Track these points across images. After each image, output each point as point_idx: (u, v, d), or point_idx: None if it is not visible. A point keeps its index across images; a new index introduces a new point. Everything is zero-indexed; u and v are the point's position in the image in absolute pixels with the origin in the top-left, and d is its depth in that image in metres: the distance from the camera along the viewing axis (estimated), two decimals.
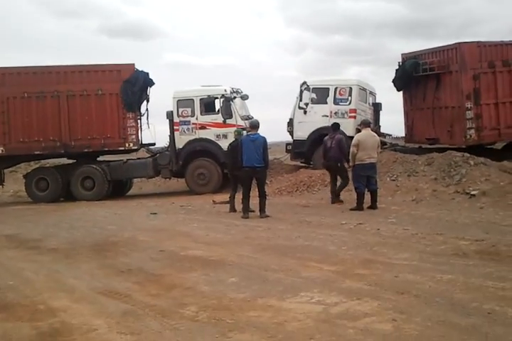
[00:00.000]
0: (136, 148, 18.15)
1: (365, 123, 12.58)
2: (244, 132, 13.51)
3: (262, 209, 11.43)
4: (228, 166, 13.05)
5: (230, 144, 13.13)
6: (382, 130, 20.45)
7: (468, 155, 14.46)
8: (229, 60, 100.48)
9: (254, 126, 11.76)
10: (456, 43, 16.93)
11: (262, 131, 11.78)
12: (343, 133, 14.93)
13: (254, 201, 11.88)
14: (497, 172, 13.52)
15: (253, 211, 11.75)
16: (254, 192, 11.95)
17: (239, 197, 12.23)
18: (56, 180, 17.74)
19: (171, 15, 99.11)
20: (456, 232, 8.57)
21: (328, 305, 5.17)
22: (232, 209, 12.43)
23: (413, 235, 8.54)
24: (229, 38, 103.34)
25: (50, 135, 17.50)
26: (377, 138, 12.48)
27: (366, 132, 12.26)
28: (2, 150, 17.38)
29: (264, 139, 11.49)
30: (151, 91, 18.24)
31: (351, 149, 12.08)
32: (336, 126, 13.53)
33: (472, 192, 12.52)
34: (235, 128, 15.85)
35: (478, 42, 16.85)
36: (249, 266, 7.01)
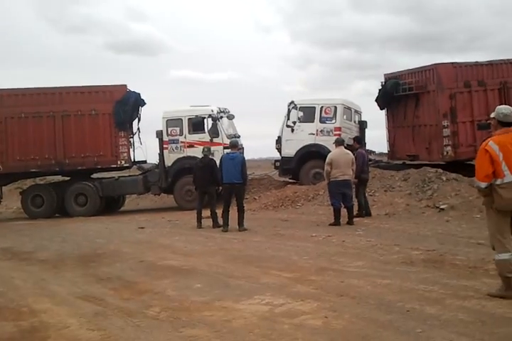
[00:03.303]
0: (127, 165, 18.94)
1: (338, 142, 13.12)
2: (213, 148, 14.64)
3: (240, 223, 12.18)
4: (197, 182, 13.53)
5: (200, 161, 13.76)
6: (367, 147, 21.31)
7: (442, 171, 15.25)
8: (235, 74, 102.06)
9: (234, 145, 12.62)
10: (432, 64, 17.81)
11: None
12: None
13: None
14: (467, 187, 14.25)
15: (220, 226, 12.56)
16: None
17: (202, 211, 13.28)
18: (51, 196, 18.50)
19: (176, 30, 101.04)
20: (413, 243, 9.32)
21: (274, 305, 5.89)
22: (216, 225, 13.01)
23: (373, 246, 9.28)
24: (234, 52, 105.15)
25: (46, 153, 18.31)
26: (351, 155, 12.75)
27: (339, 150, 12.69)
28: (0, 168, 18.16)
29: (242, 157, 12.36)
30: (143, 111, 19.17)
31: (325, 167, 12.61)
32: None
33: (441, 207, 13.29)
34: (220, 147, 16.80)
35: (453, 63, 17.68)
36: (216, 273, 7.74)
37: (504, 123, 5.86)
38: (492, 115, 6.00)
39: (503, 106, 6.13)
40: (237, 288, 6.77)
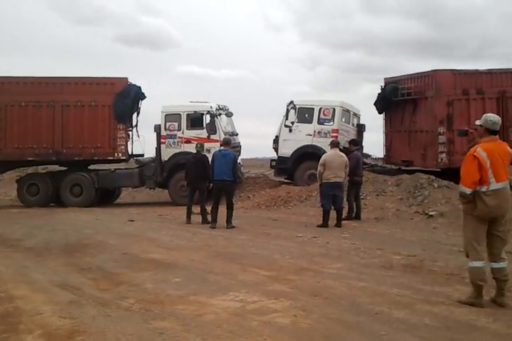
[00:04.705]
0: (124, 158, 18.96)
1: (333, 144, 13.23)
2: (210, 145, 15.24)
3: (228, 220, 12.25)
4: (188, 178, 13.63)
5: (192, 156, 13.79)
6: (365, 150, 21.34)
7: (434, 177, 15.28)
8: (242, 73, 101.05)
9: (226, 142, 12.69)
10: (432, 70, 17.82)
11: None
12: None
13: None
14: (458, 195, 14.24)
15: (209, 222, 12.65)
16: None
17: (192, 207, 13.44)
18: (46, 185, 18.58)
19: (186, 25, 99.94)
20: (396, 248, 9.37)
21: (247, 302, 5.96)
22: (205, 221, 13.10)
23: (356, 249, 9.34)
24: (243, 50, 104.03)
25: (44, 142, 18.39)
26: (345, 158, 12.83)
27: (333, 152, 12.83)
28: None
29: (234, 155, 12.40)
30: (142, 104, 19.23)
31: (318, 168, 12.75)
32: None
33: (430, 213, 13.33)
34: (217, 144, 16.82)
35: (453, 70, 17.70)
36: (197, 269, 7.82)
37: (491, 131, 5.93)
38: (478, 122, 6.06)
39: (491, 114, 6.17)
40: (214, 284, 6.84)
